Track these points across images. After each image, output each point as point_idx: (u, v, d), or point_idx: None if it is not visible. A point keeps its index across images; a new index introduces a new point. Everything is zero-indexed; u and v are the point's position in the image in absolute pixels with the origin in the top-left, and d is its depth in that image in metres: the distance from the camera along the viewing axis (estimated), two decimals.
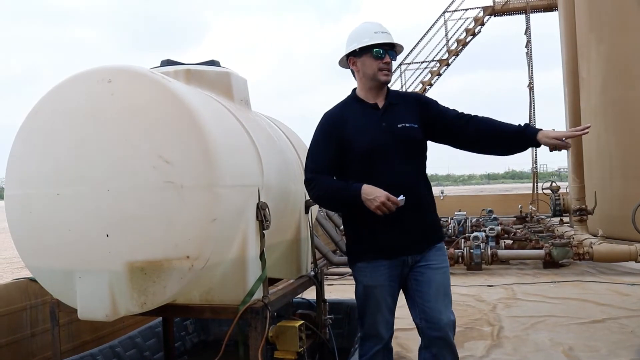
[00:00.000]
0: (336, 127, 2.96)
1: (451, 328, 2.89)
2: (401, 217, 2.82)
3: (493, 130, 2.95)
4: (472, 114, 3.04)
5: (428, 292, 2.91)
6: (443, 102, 3.30)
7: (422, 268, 2.95)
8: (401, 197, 2.72)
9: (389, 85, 3.09)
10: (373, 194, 2.71)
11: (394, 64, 3.12)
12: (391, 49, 2.98)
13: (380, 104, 3.00)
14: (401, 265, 2.95)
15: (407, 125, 2.94)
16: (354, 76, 3.09)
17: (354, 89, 3.11)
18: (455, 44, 17.25)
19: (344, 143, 2.92)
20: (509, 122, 2.96)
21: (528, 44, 17.24)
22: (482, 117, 3.01)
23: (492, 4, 17.43)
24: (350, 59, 3.03)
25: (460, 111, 3.06)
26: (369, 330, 3.01)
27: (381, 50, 2.93)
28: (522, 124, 2.94)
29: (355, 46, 2.97)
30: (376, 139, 2.90)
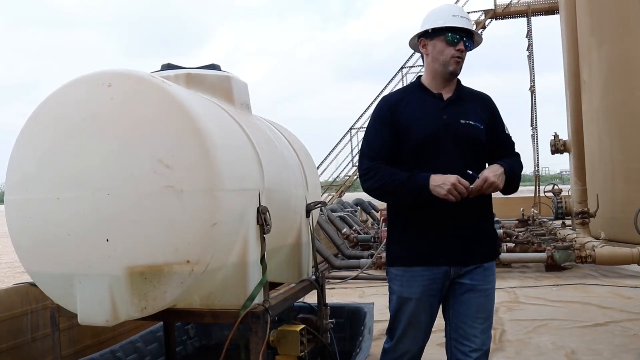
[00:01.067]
0: (393, 112, 2.72)
1: (483, 357, 2.65)
2: (448, 226, 2.62)
3: None
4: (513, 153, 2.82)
5: (465, 314, 2.67)
6: None
7: (464, 286, 2.68)
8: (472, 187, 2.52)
9: (459, 78, 2.82)
10: (442, 179, 2.47)
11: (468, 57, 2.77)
12: (469, 38, 2.70)
13: (446, 95, 2.74)
14: (442, 277, 2.66)
15: (471, 122, 2.68)
16: (423, 60, 2.84)
17: (419, 76, 2.88)
18: None
19: (399, 130, 2.68)
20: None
21: (529, 47, 17.26)
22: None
23: (493, 7, 17.44)
24: (421, 41, 2.77)
25: (511, 145, 2.84)
26: (397, 345, 2.77)
27: (457, 36, 2.65)
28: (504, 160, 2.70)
29: (428, 27, 2.70)
30: (434, 130, 2.65)
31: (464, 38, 2.67)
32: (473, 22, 2.69)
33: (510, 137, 2.87)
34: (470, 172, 2.57)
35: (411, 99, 2.76)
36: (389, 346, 2.82)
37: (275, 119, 4.08)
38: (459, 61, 2.69)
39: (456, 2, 17.36)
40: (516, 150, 2.88)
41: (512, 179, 2.68)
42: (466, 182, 2.49)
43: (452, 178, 2.47)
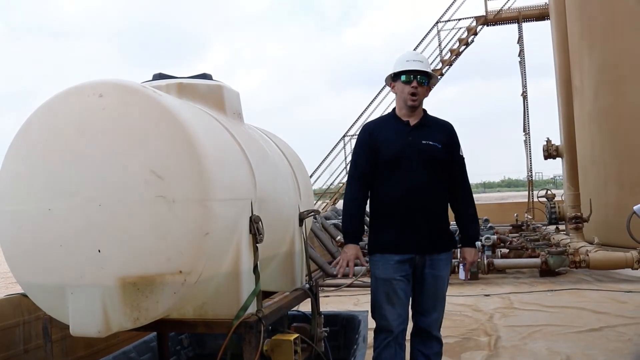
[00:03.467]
0: (371, 136, 3.46)
1: (435, 324, 3.45)
2: (413, 221, 3.31)
3: (455, 215, 3.55)
4: (462, 185, 3.51)
5: (421, 291, 3.40)
6: (437, 111, 3.50)
7: (426, 269, 3.36)
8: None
9: (424, 108, 3.50)
10: (349, 254, 3.34)
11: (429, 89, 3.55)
12: (424, 75, 3.38)
13: (413, 122, 3.44)
14: (410, 262, 3.34)
15: (430, 143, 3.38)
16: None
17: (394, 108, 3.57)
18: (449, 54, 17.33)
19: (375, 150, 3.40)
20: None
21: (521, 53, 17.34)
22: (462, 197, 3.51)
23: (484, 14, 17.51)
24: (390, 83, 3.54)
25: (460, 174, 3.50)
26: (380, 322, 3.38)
27: (410, 77, 3.37)
28: (468, 235, 3.56)
29: (392, 72, 3.46)
30: (401, 149, 3.36)
31: (417, 77, 3.37)
32: (429, 62, 3.61)
33: (463, 158, 3.57)
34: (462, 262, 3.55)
35: (385, 125, 3.51)
36: (376, 327, 3.42)
37: (272, 126, 4.09)
38: (415, 94, 3.37)
39: (446, 11, 17.49)
40: (466, 170, 3.57)
41: (478, 232, 3.66)
42: (351, 266, 3.35)
43: (352, 257, 3.34)
